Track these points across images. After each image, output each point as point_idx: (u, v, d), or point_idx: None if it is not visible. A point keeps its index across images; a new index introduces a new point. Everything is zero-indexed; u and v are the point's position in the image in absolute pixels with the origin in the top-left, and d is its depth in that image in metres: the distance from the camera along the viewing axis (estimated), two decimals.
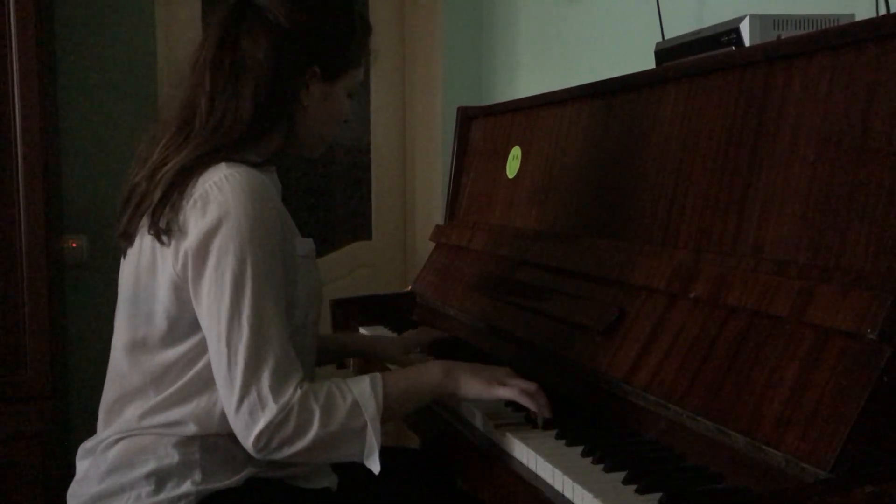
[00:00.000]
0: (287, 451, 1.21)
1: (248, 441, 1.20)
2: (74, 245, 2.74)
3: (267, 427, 1.19)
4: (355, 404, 1.24)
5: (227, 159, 1.26)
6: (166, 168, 1.27)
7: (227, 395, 1.21)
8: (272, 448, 1.20)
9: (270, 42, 1.29)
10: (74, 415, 2.69)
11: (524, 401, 1.30)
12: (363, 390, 1.25)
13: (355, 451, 1.25)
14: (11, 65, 2.23)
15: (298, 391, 1.21)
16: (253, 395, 1.19)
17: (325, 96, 1.37)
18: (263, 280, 1.21)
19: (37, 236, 2.26)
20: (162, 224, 1.24)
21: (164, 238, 1.24)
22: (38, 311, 2.27)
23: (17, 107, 2.23)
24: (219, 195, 1.22)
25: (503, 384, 1.32)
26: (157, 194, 1.25)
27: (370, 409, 1.24)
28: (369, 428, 1.23)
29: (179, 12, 3.00)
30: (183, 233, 1.23)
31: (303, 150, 1.43)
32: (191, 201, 1.23)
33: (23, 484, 2.27)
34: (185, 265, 1.23)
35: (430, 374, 1.34)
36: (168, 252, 1.25)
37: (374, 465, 1.24)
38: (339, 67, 1.37)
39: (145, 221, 1.27)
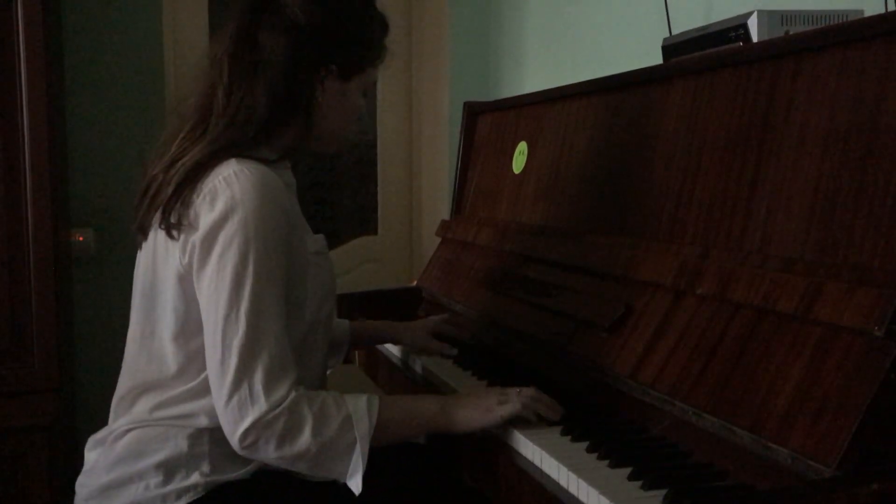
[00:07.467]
0: (273, 453, 1.20)
1: (234, 436, 1.19)
2: (81, 238, 2.74)
3: (255, 424, 1.18)
4: (348, 419, 1.23)
5: (239, 155, 1.27)
6: (182, 161, 1.27)
7: (217, 388, 1.21)
8: (259, 447, 1.19)
9: (288, 38, 1.30)
10: (81, 407, 2.70)
11: (528, 415, 1.28)
12: (358, 407, 1.25)
13: (341, 469, 1.24)
14: (19, 59, 2.23)
15: (292, 393, 1.21)
16: (244, 390, 1.19)
17: (340, 94, 1.38)
18: (265, 277, 1.21)
19: (44, 230, 2.27)
20: (173, 219, 1.25)
21: (175, 233, 1.25)
22: (45, 304, 2.27)
23: (24, 101, 2.23)
24: (227, 190, 1.22)
25: (502, 404, 1.29)
26: (170, 189, 1.26)
27: (362, 427, 1.23)
28: (358, 446, 1.22)
29: (187, 4, 3.00)
30: (193, 227, 1.24)
31: (318, 146, 1.43)
32: (200, 196, 1.24)
33: (30, 476, 2.28)
34: (191, 257, 1.24)
35: (426, 407, 1.32)
36: (176, 246, 1.26)
37: (356, 486, 1.23)
38: (355, 66, 1.38)
39: (157, 216, 1.28)
